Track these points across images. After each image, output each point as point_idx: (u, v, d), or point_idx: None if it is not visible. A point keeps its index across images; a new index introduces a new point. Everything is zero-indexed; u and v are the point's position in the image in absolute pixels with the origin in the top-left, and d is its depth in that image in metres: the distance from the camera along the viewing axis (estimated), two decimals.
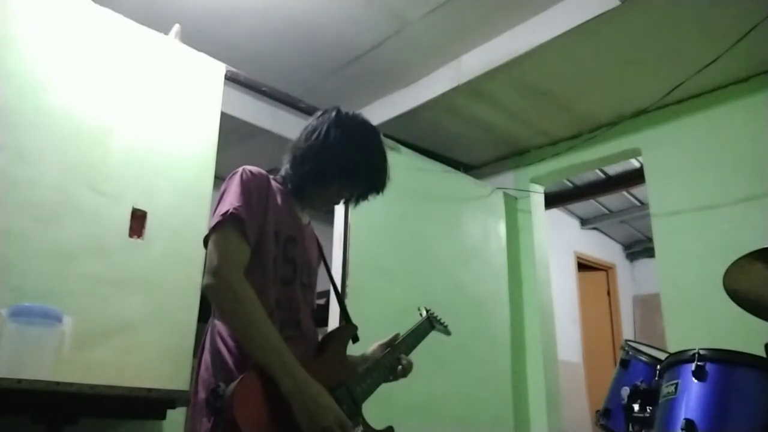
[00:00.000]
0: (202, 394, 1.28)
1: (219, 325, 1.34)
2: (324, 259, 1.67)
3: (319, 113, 1.55)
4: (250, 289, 1.26)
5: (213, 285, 1.26)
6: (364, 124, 1.56)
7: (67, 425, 1.85)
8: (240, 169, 1.40)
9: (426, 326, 1.78)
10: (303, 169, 1.47)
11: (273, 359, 1.21)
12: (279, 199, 1.44)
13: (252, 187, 1.37)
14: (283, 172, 1.52)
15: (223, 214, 1.30)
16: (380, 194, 1.57)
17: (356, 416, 1.37)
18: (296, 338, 1.37)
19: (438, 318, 1.86)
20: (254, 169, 1.42)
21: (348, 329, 1.53)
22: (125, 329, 2.18)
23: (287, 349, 1.24)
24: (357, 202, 1.57)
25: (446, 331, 1.90)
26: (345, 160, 1.47)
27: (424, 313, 1.83)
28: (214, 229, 1.31)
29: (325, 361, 1.40)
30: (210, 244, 1.30)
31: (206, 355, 1.33)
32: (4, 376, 1.67)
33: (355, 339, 1.53)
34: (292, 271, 1.43)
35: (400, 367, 1.57)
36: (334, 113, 1.52)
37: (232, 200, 1.32)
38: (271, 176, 1.48)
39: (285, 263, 1.41)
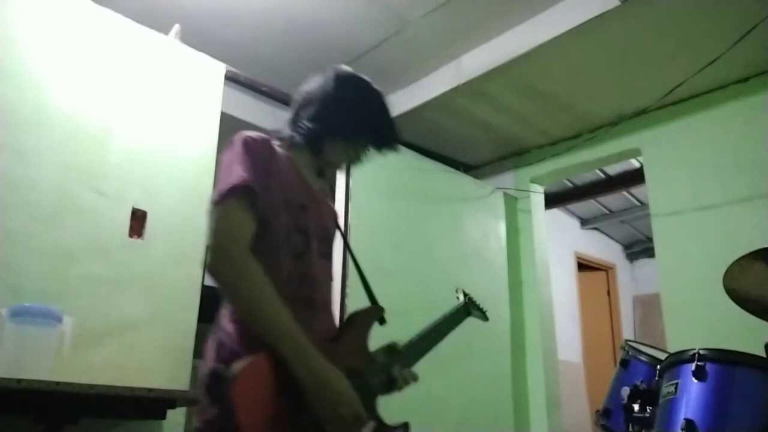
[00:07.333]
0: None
1: (224, 310, 1.26)
2: (340, 228, 1.54)
3: (313, 76, 1.48)
4: (257, 265, 1.16)
5: (215, 262, 1.15)
6: (364, 79, 1.49)
7: (67, 425, 1.84)
8: (240, 136, 1.29)
9: (462, 312, 1.65)
10: (308, 127, 1.38)
11: (285, 341, 1.12)
12: (285, 164, 1.33)
13: (256, 154, 1.26)
14: (285, 135, 1.42)
15: (232, 185, 1.20)
16: (392, 148, 1.50)
17: (370, 409, 1.27)
18: (311, 316, 1.27)
19: (476, 303, 1.73)
20: (254, 134, 1.31)
21: (374, 311, 1.42)
22: (125, 329, 2.18)
23: (300, 331, 1.14)
24: (379, 148, 1.48)
25: (484, 317, 1.75)
26: (353, 112, 1.41)
27: (462, 296, 1.69)
28: (218, 202, 1.20)
29: (343, 344, 1.30)
30: (212, 220, 1.19)
31: (210, 344, 1.25)
32: (4, 376, 1.67)
33: (382, 321, 1.41)
34: (304, 243, 1.31)
35: (399, 379, 1.38)
36: (332, 71, 1.46)
37: (238, 171, 1.21)
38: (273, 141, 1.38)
39: (297, 234, 1.29)
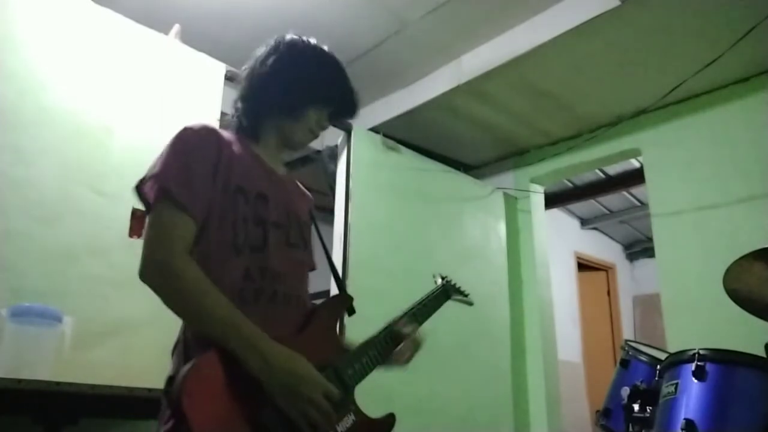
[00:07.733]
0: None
1: None
2: (314, 221, 1.42)
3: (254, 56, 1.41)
4: (188, 265, 1.09)
5: (143, 271, 1.11)
6: (307, 42, 1.40)
7: (67, 425, 1.84)
8: (180, 130, 1.21)
9: (440, 296, 1.58)
10: (239, 108, 1.32)
11: (228, 334, 1.04)
12: (237, 151, 1.24)
13: (192, 145, 1.18)
14: (236, 120, 1.34)
15: (151, 179, 1.16)
16: (354, 110, 1.40)
17: (347, 403, 1.18)
18: (273, 311, 1.18)
19: (456, 286, 1.66)
20: (196, 124, 1.22)
21: (340, 300, 1.34)
22: (125, 329, 2.18)
23: (246, 320, 1.06)
24: (339, 115, 1.39)
25: (467, 301, 1.69)
26: (303, 79, 1.33)
27: (440, 280, 1.63)
28: (149, 207, 1.17)
29: (308, 337, 1.20)
30: (146, 225, 1.15)
31: (175, 346, 1.21)
32: (4, 376, 1.66)
33: (351, 311, 1.34)
34: (262, 235, 1.20)
35: (401, 345, 1.35)
36: (264, 45, 1.41)
37: (160, 168, 1.16)
38: (224, 130, 1.31)
39: (254, 226, 1.20)
